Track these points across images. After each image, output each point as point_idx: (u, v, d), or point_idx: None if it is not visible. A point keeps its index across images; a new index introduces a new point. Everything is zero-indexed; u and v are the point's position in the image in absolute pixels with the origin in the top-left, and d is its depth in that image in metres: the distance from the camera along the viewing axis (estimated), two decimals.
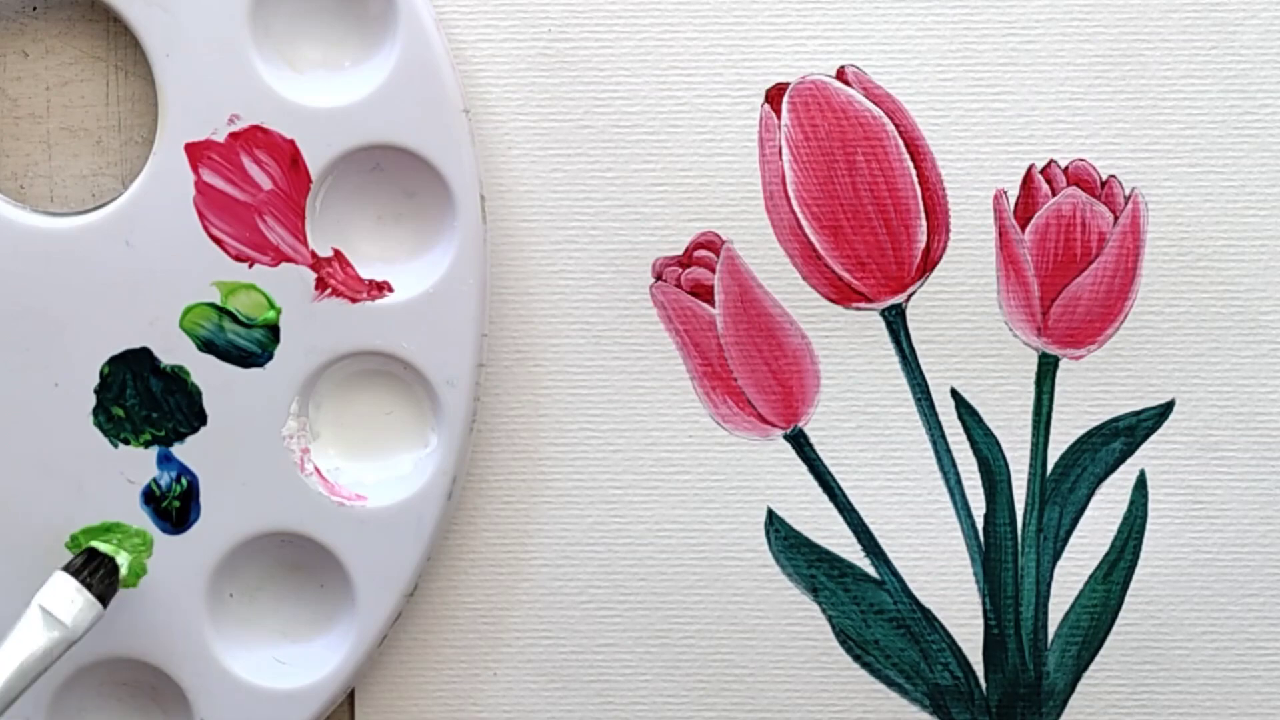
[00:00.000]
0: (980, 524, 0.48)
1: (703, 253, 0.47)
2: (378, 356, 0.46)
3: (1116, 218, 0.47)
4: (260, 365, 0.46)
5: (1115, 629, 0.48)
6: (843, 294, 0.47)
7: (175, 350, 0.45)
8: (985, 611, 0.48)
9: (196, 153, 0.45)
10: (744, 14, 0.47)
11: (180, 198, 0.45)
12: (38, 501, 0.46)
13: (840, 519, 0.47)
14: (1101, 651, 0.48)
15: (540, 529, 0.48)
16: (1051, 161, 0.47)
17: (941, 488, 0.47)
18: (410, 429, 0.47)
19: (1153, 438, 0.47)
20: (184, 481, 0.46)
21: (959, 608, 0.48)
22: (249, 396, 0.45)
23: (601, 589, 0.48)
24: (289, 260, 0.45)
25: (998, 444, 0.47)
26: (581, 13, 0.47)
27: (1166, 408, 0.47)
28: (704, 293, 0.47)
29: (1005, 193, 0.47)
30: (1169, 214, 0.47)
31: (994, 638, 0.48)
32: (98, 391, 0.46)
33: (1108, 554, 0.48)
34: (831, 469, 0.47)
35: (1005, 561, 0.48)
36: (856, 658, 0.48)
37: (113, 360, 0.45)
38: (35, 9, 0.47)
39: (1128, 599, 0.48)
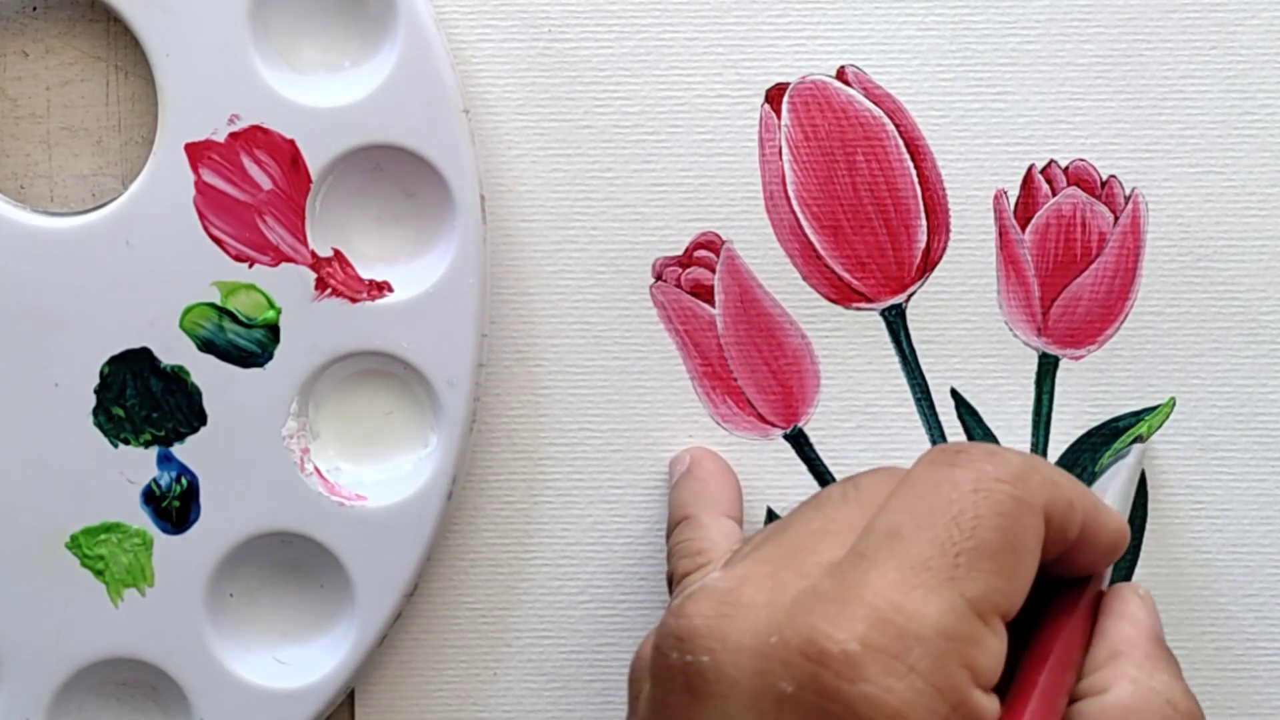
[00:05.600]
0: None
1: (703, 253, 0.47)
2: (378, 356, 0.46)
3: (1116, 218, 0.47)
4: (260, 365, 0.46)
5: None
6: (843, 294, 0.47)
7: (175, 350, 0.45)
8: None
9: (196, 153, 0.45)
10: (744, 14, 0.47)
11: (180, 198, 0.45)
12: (38, 501, 0.46)
13: None
14: None
15: (540, 529, 0.48)
16: (1051, 161, 0.47)
17: None
18: (410, 429, 0.47)
19: (1153, 438, 0.47)
20: (184, 481, 0.46)
21: None
22: (249, 396, 0.45)
23: (601, 589, 0.48)
24: (289, 260, 0.45)
25: (998, 444, 0.47)
26: (581, 13, 0.47)
27: (1166, 408, 0.47)
28: (704, 293, 0.47)
29: (1005, 193, 0.47)
30: (1169, 214, 0.47)
31: None
32: (98, 391, 0.46)
33: None
34: (831, 469, 0.47)
35: None
36: None
37: (113, 360, 0.45)
38: (35, 9, 0.47)
39: None
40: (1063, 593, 0.38)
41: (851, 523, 0.36)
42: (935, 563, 0.33)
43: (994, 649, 0.34)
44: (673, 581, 0.42)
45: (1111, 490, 0.44)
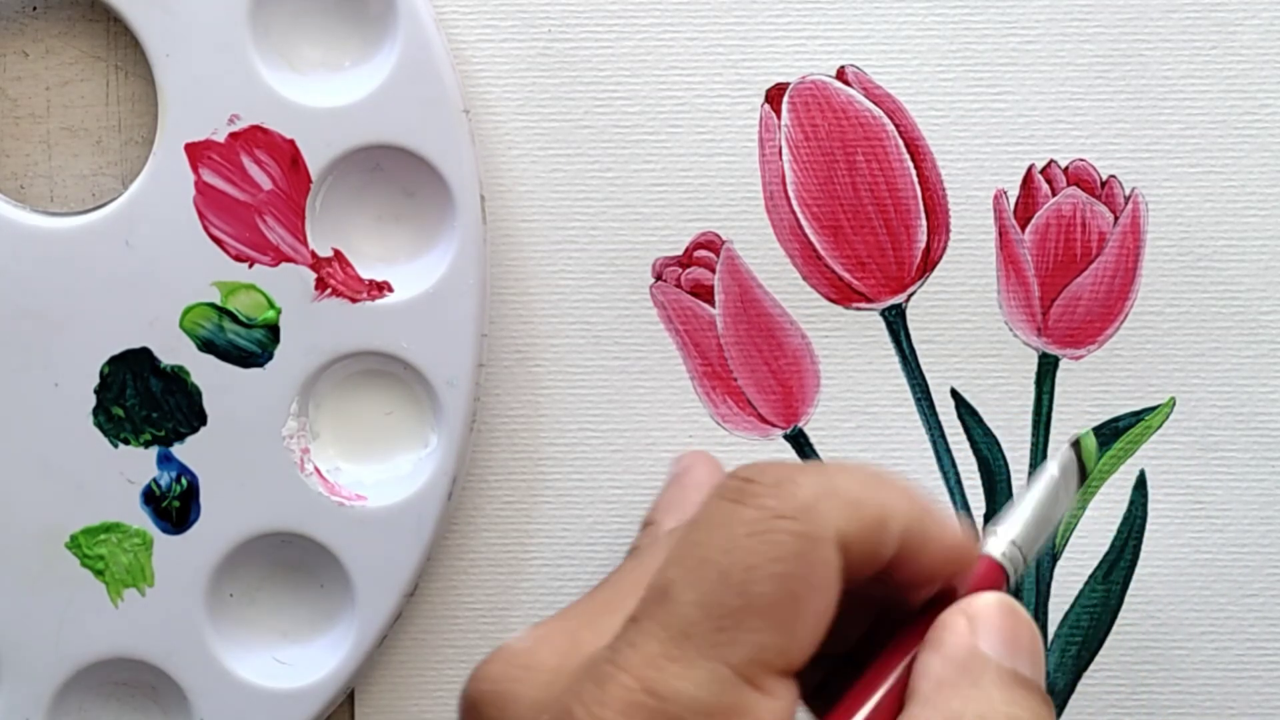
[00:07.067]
0: (980, 524, 0.48)
1: (703, 253, 0.47)
2: (378, 356, 0.46)
3: (1116, 218, 0.47)
4: (260, 365, 0.46)
5: (1115, 629, 0.48)
6: (843, 294, 0.47)
7: (175, 350, 0.45)
8: None
9: (196, 153, 0.45)
10: (744, 14, 0.47)
11: (180, 198, 0.45)
12: (38, 501, 0.46)
13: None
14: (1101, 652, 0.48)
15: (540, 529, 0.48)
16: (1051, 161, 0.47)
17: (941, 488, 0.47)
18: (410, 429, 0.47)
19: (1153, 438, 0.47)
20: (184, 481, 0.46)
21: None
22: (249, 396, 0.45)
23: None
24: (289, 260, 0.45)
25: (998, 444, 0.47)
26: (581, 13, 0.47)
27: (1166, 408, 0.47)
28: (704, 293, 0.47)
29: (1005, 193, 0.47)
30: (1169, 214, 0.47)
31: None
32: (98, 391, 0.46)
33: (1107, 554, 0.48)
34: None
35: None
36: None
37: (113, 360, 0.45)
38: (35, 9, 0.47)
39: (1127, 599, 0.48)
40: (909, 623, 0.34)
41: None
42: (698, 629, 0.31)
43: (768, 712, 0.31)
44: None
45: (1027, 495, 0.38)
